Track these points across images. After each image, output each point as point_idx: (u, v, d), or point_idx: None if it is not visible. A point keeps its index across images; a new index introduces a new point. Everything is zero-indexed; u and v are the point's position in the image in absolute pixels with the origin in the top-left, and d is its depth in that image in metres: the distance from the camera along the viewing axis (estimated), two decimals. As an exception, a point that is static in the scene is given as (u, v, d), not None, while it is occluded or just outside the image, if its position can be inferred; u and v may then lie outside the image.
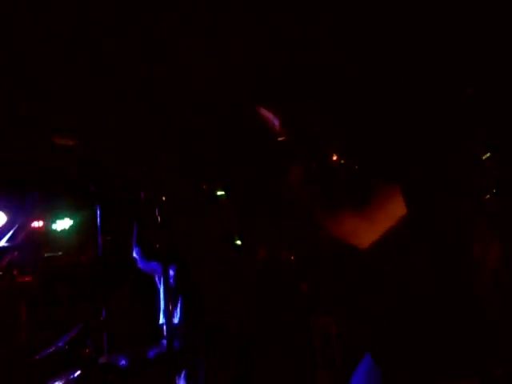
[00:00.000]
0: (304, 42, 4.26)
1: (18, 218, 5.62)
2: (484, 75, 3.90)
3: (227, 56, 4.51)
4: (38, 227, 5.99)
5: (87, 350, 4.33)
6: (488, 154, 3.17)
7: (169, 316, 4.16)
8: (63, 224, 6.09)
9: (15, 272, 5.58)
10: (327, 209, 3.58)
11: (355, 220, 3.34)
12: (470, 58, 3.84)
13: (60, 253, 6.09)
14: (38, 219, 5.96)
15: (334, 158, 3.83)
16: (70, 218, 6.10)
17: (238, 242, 4.95)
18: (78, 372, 4.21)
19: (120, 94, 4.91)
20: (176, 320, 4.57)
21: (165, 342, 4.17)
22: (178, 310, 4.62)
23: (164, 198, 4.78)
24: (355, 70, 4.03)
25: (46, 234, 6.09)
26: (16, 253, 5.56)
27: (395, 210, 3.29)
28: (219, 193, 5.15)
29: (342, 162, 3.68)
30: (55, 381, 4.29)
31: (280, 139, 4.36)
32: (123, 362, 4.39)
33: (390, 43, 3.98)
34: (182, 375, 4.47)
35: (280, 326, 4.56)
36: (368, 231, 3.28)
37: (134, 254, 4.85)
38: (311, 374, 4.37)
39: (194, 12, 4.19)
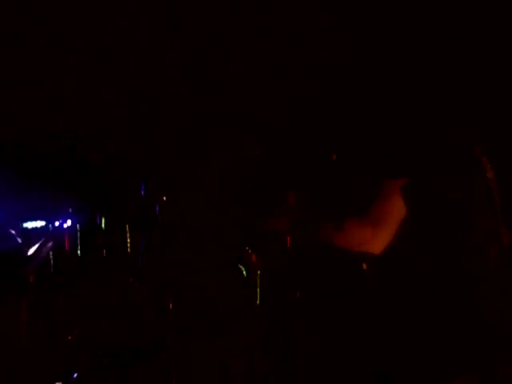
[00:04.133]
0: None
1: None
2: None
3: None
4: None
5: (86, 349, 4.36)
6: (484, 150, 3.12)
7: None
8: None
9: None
10: (330, 218, 3.37)
11: (364, 227, 3.09)
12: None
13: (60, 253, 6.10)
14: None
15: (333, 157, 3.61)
16: (70, 218, 6.11)
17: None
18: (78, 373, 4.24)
19: (120, 93, 4.93)
20: None
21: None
22: None
23: (165, 198, 4.77)
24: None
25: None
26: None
27: (398, 210, 3.13)
28: None
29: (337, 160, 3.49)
30: (55, 381, 4.31)
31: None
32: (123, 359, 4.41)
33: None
34: None
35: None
36: (378, 237, 3.03)
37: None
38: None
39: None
